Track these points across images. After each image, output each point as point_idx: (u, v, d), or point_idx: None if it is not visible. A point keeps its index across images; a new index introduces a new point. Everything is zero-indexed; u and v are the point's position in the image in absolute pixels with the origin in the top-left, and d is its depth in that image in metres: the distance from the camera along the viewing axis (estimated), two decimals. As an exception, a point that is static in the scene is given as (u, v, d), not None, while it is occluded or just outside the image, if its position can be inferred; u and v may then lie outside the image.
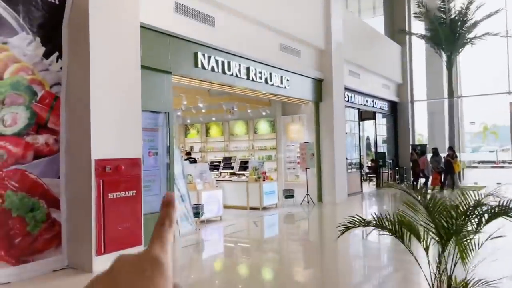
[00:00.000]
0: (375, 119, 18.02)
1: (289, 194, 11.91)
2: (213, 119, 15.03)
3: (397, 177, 18.39)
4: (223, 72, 8.90)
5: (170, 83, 7.77)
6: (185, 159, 13.92)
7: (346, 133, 14.00)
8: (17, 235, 5.35)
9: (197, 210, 8.71)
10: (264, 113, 13.60)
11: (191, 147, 16.18)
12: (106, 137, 5.90)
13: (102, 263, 5.70)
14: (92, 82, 5.74)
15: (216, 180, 11.82)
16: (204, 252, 7.33)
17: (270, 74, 10.39)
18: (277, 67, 10.63)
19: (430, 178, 15.47)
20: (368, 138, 22.49)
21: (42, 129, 5.71)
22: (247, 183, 11.40)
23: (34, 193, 5.56)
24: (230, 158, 12.84)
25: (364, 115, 17.16)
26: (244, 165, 12.40)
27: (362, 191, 15.78)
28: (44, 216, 5.68)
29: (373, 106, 17.23)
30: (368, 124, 19.08)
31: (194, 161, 13.94)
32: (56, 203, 5.85)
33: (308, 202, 12.13)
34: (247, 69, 9.60)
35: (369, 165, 19.95)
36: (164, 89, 7.61)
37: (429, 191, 14.96)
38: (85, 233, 5.71)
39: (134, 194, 6.21)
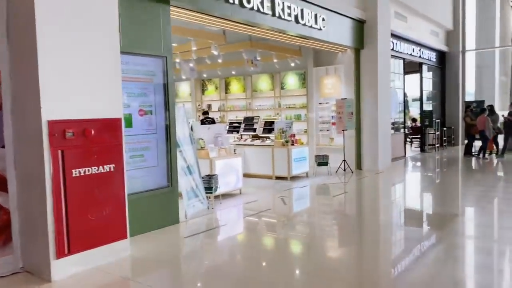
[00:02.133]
0: (421, 72, 15.53)
1: (322, 161, 9.96)
2: (233, 72, 12.97)
3: (444, 139, 16.07)
4: (241, 4, 6.79)
5: (168, 17, 5.76)
6: (202, 120, 12.18)
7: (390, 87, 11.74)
8: None
9: (209, 184, 6.91)
10: (293, 64, 11.45)
11: (209, 106, 14.30)
12: (64, 88, 4.03)
13: (64, 268, 4.00)
14: (37, 5, 3.81)
15: (236, 144, 10.00)
16: (219, 241, 5.56)
17: (302, 10, 8.18)
18: (309, 2, 8.39)
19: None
20: (405, 95, 20.03)
21: (-31, 77, 3.89)
22: (273, 148, 9.51)
23: (-38, 170, 3.83)
24: (252, 118, 10.91)
25: (408, 67, 14.71)
26: (269, 127, 10.46)
27: (405, 156, 13.66)
28: (-19, 202, 3.98)
29: (419, 57, 14.73)
30: (409, 78, 16.59)
31: (212, 121, 12.16)
32: (1, 183, 4.13)
33: (345, 170, 10.19)
34: (272, 1, 7.43)
35: (410, 125, 17.60)
36: (159, 25, 5.62)
37: (487, 156, 12.75)
38: (41, 226, 3.99)
39: (112, 168, 4.41)
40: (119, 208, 4.52)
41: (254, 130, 10.49)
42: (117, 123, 4.50)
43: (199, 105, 14.63)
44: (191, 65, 10.46)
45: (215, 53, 9.21)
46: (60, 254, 3.98)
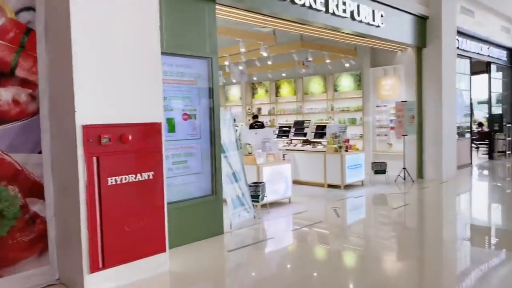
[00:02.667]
0: (489, 72, 14.21)
1: (380, 169, 9.24)
2: (284, 74, 12.53)
3: (515, 145, 14.58)
4: (292, 0, 6.34)
5: (214, 15, 5.43)
6: (252, 124, 11.86)
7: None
8: (-30, 240, 3.57)
9: (256, 192, 6.50)
10: (347, 65, 10.81)
11: (259, 109, 13.95)
12: (100, 91, 3.79)
13: (99, 283, 3.74)
14: (72, 2, 3.59)
15: (286, 149, 9.54)
16: (266, 255, 5.13)
17: (358, 6, 7.58)
18: (367, -3, 7.78)
19: None
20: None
21: (6, 79, 3.75)
22: (325, 153, 8.93)
23: (-2, 177, 3.69)
24: (302, 122, 10.40)
25: (474, 68, 13.49)
26: (320, 131, 9.89)
27: (472, 164, 12.49)
28: (17, 210, 3.82)
29: (488, 55, 13.47)
30: (475, 79, 15.25)
31: (262, 125, 11.80)
32: (37, 190, 3.95)
33: (404, 178, 9.38)
34: (326, -3, 6.93)
35: (476, 129, 16.17)
36: (204, 25, 5.31)
37: None
38: (75, 237, 3.76)
39: (151, 176, 4.12)
40: (158, 219, 4.21)
41: (305, 134, 9.97)
42: (157, 128, 4.20)
43: (249, 109, 14.33)
44: (240, 68, 10.16)
45: (265, 54, 8.81)
46: (94, 268, 3.72)
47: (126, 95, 3.96)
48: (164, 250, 4.27)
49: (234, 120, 6.47)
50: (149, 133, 4.13)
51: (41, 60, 3.93)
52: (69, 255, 3.90)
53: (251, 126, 11.83)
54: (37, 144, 3.95)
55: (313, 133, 9.87)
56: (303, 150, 9.51)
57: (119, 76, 3.91)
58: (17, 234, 3.81)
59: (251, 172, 6.94)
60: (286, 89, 13.40)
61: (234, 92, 15.17)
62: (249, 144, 7.30)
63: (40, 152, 3.97)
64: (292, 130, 10.25)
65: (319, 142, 9.80)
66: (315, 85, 12.53)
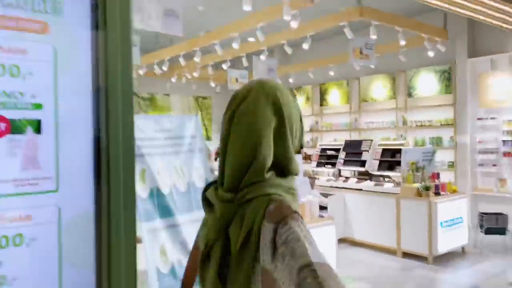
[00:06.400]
0: None
1: (495, 226, 5.27)
2: (331, 73, 8.77)
3: None
4: None
5: None
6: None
7: None
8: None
9: None
10: (431, 54, 6.92)
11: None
12: None
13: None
14: None
15: (331, 186, 5.90)
16: None
17: None
18: None
19: None
20: None
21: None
22: (398, 197, 5.16)
23: None
24: (359, 143, 6.58)
25: None
26: (389, 158, 6.10)
27: None
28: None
29: None
30: None
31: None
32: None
33: (542, 245, 5.33)
34: None
35: None
36: None
37: None
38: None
39: None
40: None
41: (363, 163, 6.20)
42: None
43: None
44: (262, 57, 6.68)
45: (293, 25, 5.07)
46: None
47: None
48: None
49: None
50: None
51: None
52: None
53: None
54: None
55: (377, 161, 6.08)
56: (359, 190, 5.76)
57: None
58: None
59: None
60: (335, 95, 9.72)
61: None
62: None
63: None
64: (342, 155, 6.49)
65: (388, 177, 5.99)
66: (378, 87, 8.75)
